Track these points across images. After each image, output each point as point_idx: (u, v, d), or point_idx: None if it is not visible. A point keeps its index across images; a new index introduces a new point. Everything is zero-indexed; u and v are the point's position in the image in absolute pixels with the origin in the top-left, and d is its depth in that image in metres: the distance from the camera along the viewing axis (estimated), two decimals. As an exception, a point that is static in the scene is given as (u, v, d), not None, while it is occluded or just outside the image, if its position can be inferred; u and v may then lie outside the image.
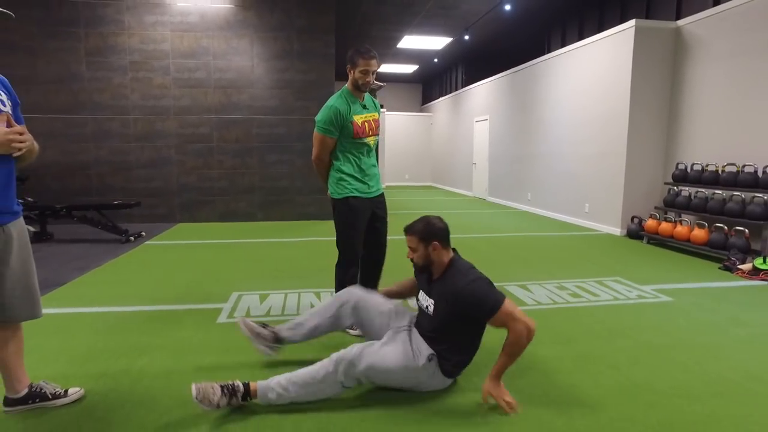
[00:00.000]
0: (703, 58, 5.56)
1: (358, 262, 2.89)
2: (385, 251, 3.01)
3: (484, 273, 2.10)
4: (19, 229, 1.84)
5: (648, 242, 5.78)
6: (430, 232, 2.10)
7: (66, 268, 4.37)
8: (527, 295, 3.62)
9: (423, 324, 2.19)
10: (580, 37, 8.00)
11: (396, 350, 2.04)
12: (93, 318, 3.06)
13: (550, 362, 2.45)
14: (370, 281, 3.01)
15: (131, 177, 7.06)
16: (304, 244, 5.56)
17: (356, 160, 2.80)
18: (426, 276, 2.20)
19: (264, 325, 2.36)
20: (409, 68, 14.41)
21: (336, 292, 2.74)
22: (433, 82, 16.24)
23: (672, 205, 5.63)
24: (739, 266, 4.34)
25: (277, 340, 2.33)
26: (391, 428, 1.84)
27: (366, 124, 2.77)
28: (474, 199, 11.17)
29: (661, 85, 6.03)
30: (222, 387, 1.90)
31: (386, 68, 14.03)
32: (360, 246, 2.86)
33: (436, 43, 11.06)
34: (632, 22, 5.92)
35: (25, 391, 1.94)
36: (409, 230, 2.15)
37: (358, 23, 9.21)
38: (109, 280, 3.99)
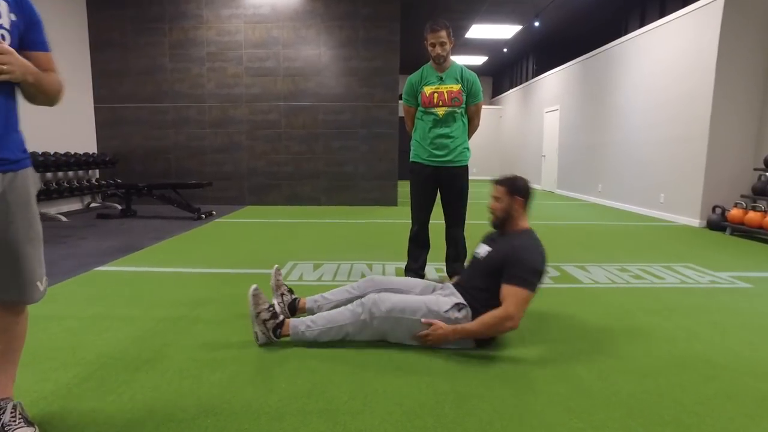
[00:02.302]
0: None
1: (424, 226, 3.09)
2: (461, 229, 3.09)
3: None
4: (19, 183, 1.35)
5: (732, 233, 5.29)
6: (518, 187, 2.17)
7: (145, 237, 4.77)
8: (584, 275, 3.46)
9: (465, 274, 2.26)
10: (661, 16, 7.45)
11: (421, 298, 2.12)
12: (162, 276, 3.32)
13: (598, 333, 2.34)
14: (449, 260, 3.15)
15: (205, 161, 7.54)
16: (363, 226, 5.66)
17: (425, 127, 2.97)
18: (497, 232, 2.27)
19: (291, 291, 2.48)
20: (479, 60, 14.14)
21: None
22: (503, 74, 15.84)
23: (763, 192, 5.11)
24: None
25: (292, 310, 2.39)
26: (424, 379, 1.86)
27: (436, 94, 2.89)
28: (542, 192, 10.77)
29: (755, 59, 5.48)
30: (270, 305, 2.14)
31: (455, 60, 13.83)
32: (423, 211, 3.06)
33: (505, 31, 10.76)
34: (720, -6, 5.43)
35: None
36: (498, 181, 2.23)
37: (425, 13, 9.19)
38: (180, 247, 4.30)
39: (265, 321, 2.09)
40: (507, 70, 15.41)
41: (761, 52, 5.48)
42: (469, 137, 3.08)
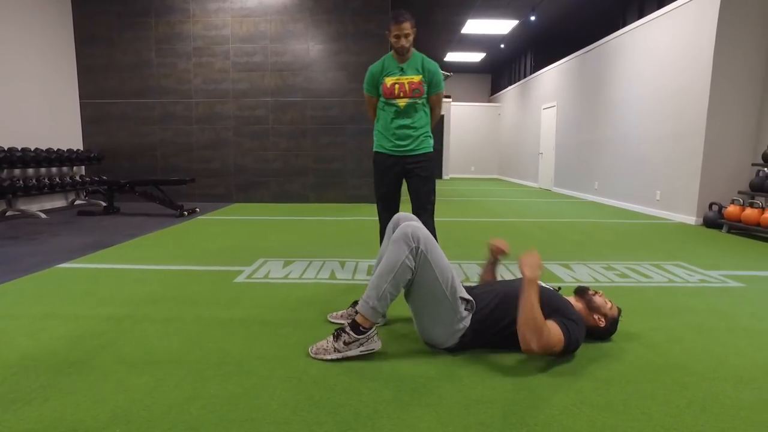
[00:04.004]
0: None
1: (387, 215, 2.96)
2: (429, 216, 2.98)
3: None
4: None
5: (728, 231, 5.09)
6: (611, 326, 2.07)
7: (120, 234, 4.63)
8: (567, 273, 3.28)
9: (493, 286, 2.06)
10: (660, 7, 7.25)
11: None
12: (123, 273, 3.18)
13: (571, 335, 2.16)
14: None
15: (192, 158, 7.40)
16: (348, 223, 5.50)
17: (387, 118, 2.92)
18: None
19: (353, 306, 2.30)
20: (476, 56, 13.97)
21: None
22: (502, 71, 15.65)
23: (761, 188, 4.91)
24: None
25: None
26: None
27: (397, 86, 2.84)
28: (539, 190, 10.58)
29: (752, 51, 5.28)
30: (332, 335, 1.91)
31: (453, 57, 13.70)
32: (387, 200, 3.00)
33: (501, 26, 10.60)
34: (717, -17, 5.23)
35: None
36: (609, 319, 2.06)
37: (418, 6, 9.02)
38: (151, 245, 4.16)
39: (349, 344, 1.87)
40: (505, 67, 15.22)
41: (759, 45, 5.28)
42: (432, 126, 3.05)
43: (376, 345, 1.90)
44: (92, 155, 7.02)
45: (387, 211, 3.00)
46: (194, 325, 2.23)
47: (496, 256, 2.31)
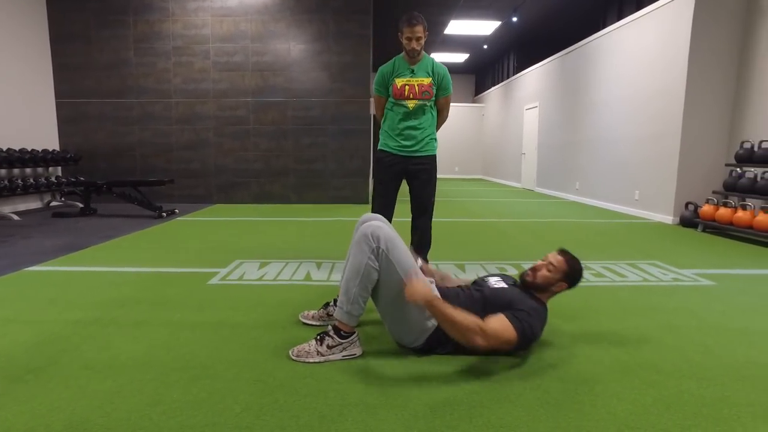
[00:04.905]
0: (776, 22, 4.89)
1: (385, 216, 2.93)
2: (428, 218, 3.06)
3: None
4: None
5: (704, 230, 5.17)
6: (574, 274, 2.00)
7: (94, 236, 4.54)
8: (543, 273, 3.29)
9: (456, 292, 2.01)
10: (639, 8, 7.35)
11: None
12: (95, 276, 3.11)
13: (542, 337, 2.16)
14: (412, 246, 3.07)
15: (172, 158, 7.30)
16: (328, 224, 5.47)
17: (394, 118, 2.98)
18: (519, 283, 2.09)
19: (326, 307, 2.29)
20: (460, 57, 14.02)
21: None
22: (486, 71, 15.73)
23: (733, 188, 4.99)
24: (808, 254, 3.74)
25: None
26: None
27: (407, 87, 2.90)
28: (521, 190, 10.65)
29: (725, 53, 5.37)
30: (315, 339, 1.90)
31: (437, 57, 13.66)
32: (385, 201, 3.02)
33: (484, 27, 10.65)
34: (692, -15, 5.32)
35: None
36: (564, 254, 2.03)
37: (397, 6, 9.02)
38: (126, 246, 4.08)
39: (332, 347, 1.87)
40: (489, 68, 15.31)
41: (731, 47, 5.37)
42: (438, 129, 3.11)
43: (357, 350, 1.90)
44: (69, 156, 6.88)
45: (384, 209, 3.01)
46: (163, 329, 2.19)
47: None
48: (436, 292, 1.92)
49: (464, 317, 1.73)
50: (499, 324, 1.78)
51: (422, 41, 2.82)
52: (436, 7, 9.05)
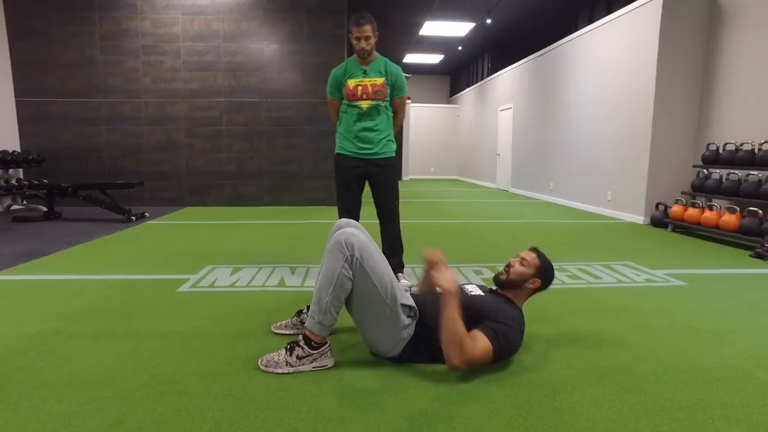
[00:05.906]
0: (742, 25, 5.03)
1: (350, 217, 2.95)
2: (393, 220, 3.02)
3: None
4: None
5: (673, 230, 5.29)
6: (547, 270, 2.00)
7: (58, 242, 4.35)
8: (519, 276, 3.29)
9: (432, 300, 1.95)
10: (609, 12, 7.49)
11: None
12: (57, 284, 2.97)
13: (520, 340, 2.15)
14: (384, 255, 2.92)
15: (142, 160, 7.08)
16: (303, 226, 5.39)
17: (349, 120, 2.92)
18: (494, 289, 2.10)
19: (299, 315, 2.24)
20: (435, 58, 14.06)
21: None
22: (461, 72, 15.84)
23: (701, 189, 5.12)
24: (772, 253, 3.85)
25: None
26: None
27: (360, 87, 2.85)
28: (496, 191, 10.74)
29: (692, 58, 5.51)
30: (285, 348, 1.84)
31: (411, 58, 13.74)
32: (347, 202, 3.01)
33: (459, 29, 10.69)
34: (660, -9, 5.43)
35: None
36: (536, 251, 2.02)
37: (376, 7, 8.98)
38: (92, 252, 3.93)
39: (302, 358, 1.81)
40: (464, 69, 15.42)
41: (697, 50, 5.51)
42: (394, 130, 3.05)
43: (329, 362, 1.84)
44: (31, 157, 6.61)
45: (348, 213, 2.98)
46: (128, 341, 2.09)
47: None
48: (408, 298, 1.89)
49: (463, 328, 1.72)
50: (480, 342, 1.73)
51: (372, 41, 2.77)
52: (411, 8, 9.04)
